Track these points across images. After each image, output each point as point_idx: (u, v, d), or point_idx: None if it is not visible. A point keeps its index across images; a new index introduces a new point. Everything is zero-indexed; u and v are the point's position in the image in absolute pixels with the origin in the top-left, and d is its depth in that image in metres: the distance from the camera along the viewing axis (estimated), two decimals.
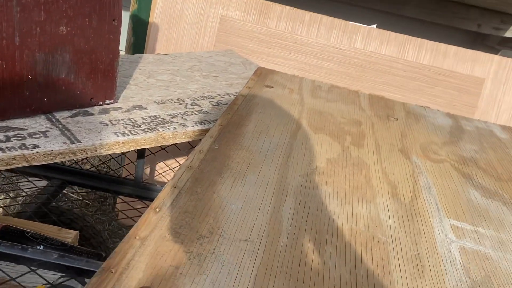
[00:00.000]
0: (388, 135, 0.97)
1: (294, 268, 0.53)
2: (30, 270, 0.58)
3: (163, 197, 0.60)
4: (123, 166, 1.29)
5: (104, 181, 1.16)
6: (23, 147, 0.70)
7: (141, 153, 1.10)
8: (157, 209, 0.58)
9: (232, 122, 0.87)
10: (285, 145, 0.83)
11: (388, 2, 2.09)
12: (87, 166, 1.47)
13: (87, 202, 1.70)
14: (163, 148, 1.16)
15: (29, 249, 0.59)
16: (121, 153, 1.28)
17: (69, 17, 0.78)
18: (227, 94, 1.06)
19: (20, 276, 0.63)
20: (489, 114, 1.49)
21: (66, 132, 0.77)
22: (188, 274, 0.49)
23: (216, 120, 0.91)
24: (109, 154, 1.35)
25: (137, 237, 0.52)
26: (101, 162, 1.44)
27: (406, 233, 0.65)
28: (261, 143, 0.81)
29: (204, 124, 0.89)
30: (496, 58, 1.48)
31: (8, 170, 0.99)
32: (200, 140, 0.80)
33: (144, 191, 1.13)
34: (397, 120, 1.07)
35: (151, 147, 1.21)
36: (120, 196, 1.25)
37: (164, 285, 0.47)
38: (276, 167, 0.74)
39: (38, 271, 0.59)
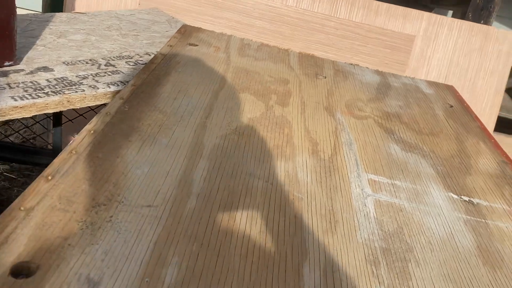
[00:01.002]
0: (314, 93, 0.95)
1: (200, 232, 0.50)
2: None
3: (58, 164, 0.55)
4: (39, 135, 1.20)
5: (19, 152, 1.07)
6: None
7: (56, 120, 1.02)
8: (49, 177, 0.52)
9: (147, 82, 0.81)
10: (205, 106, 0.79)
11: None
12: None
13: (12, 176, 1.59)
14: (80, 114, 1.09)
15: None
16: (35, 121, 1.19)
17: None
18: (147, 54, 0.99)
19: None
20: (419, 71, 1.51)
21: None
22: (78, 245, 0.44)
23: None
24: (21, 122, 1.25)
25: (22, 208, 0.47)
26: (14, 132, 1.33)
27: (322, 189, 0.64)
28: (178, 104, 0.77)
29: (118, 85, 0.83)
30: (426, 14, 1.49)
31: None
32: None
33: None
34: (325, 78, 1.05)
35: (68, 114, 1.13)
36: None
37: (48, 258, 0.42)
38: (192, 129, 0.70)
39: None
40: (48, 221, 0.46)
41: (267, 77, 0.98)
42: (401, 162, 0.76)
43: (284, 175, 0.65)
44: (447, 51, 1.52)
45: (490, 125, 1.59)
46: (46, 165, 1.05)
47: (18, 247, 0.43)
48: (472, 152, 0.85)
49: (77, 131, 1.32)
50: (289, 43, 1.43)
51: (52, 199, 0.49)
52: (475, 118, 1.01)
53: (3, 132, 1.21)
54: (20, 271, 0.41)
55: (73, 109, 0.79)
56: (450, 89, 1.16)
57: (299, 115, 0.84)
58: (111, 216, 0.49)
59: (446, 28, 1.51)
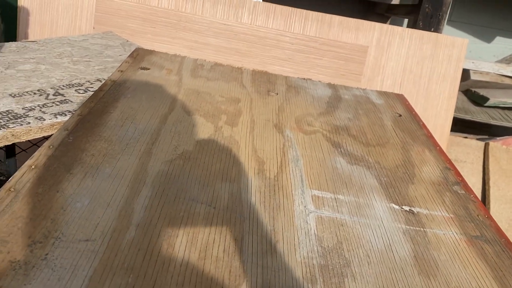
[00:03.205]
0: (265, 110, 0.97)
1: (137, 263, 0.51)
2: None
3: None
4: None
5: None
6: None
7: (9, 151, 1.01)
8: None
9: (95, 110, 0.82)
10: (152, 131, 0.79)
11: None
12: None
13: None
14: (34, 143, 1.08)
15: None
16: None
17: None
18: (98, 80, 1.00)
19: None
20: (375, 80, 1.55)
21: None
22: (9, 286, 0.45)
23: None
24: None
25: None
26: None
27: (265, 209, 0.65)
28: (125, 131, 0.77)
29: (65, 115, 0.83)
30: (378, 25, 1.54)
31: None
32: None
33: None
34: (277, 94, 1.07)
35: (22, 144, 1.12)
36: None
37: None
38: (137, 156, 0.71)
39: None
40: None
41: (218, 97, 0.99)
42: (345, 175, 0.78)
43: (227, 198, 0.66)
44: (400, 59, 1.57)
45: (446, 127, 1.65)
46: None
47: None
48: (417, 160, 0.88)
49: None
50: (246, 59, 1.45)
51: None
52: (422, 126, 1.04)
53: None
54: None
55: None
56: (400, 98, 1.20)
57: (247, 135, 0.85)
58: (47, 254, 0.49)
59: (398, 37, 1.56)
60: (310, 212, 0.66)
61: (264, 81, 1.14)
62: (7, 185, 0.58)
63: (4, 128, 0.75)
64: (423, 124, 1.06)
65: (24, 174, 0.61)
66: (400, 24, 2.40)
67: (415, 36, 1.57)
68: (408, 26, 2.03)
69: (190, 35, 1.43)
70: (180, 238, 0.56)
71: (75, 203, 0.58)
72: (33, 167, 0.63)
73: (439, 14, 1.66)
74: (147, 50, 1.17)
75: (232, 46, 1.45)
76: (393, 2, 2.16)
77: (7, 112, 0.80)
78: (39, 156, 0.65)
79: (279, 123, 0.93)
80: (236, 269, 0.53)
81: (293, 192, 0.71)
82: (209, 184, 0.68)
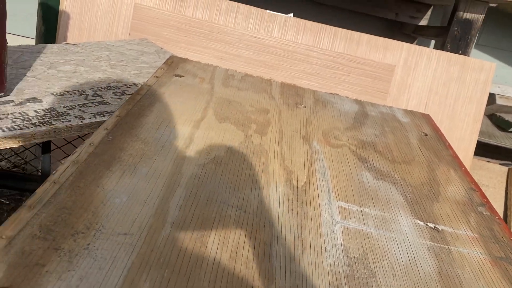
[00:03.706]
0: (293, 122, 1.00)
1: (172, 259, 0.53)
2: None
3: (40, 194, 0.58)
4: (29, 162, 1.23)
5: (8, 178, 1.10)
6: None
7: (45, 147, 1.05)
8: (31, 206, 0.56)
9: (132, 112, 0.85)
10: (186, 135, 0.82)
11: None
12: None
13: (2, 201, 1.61)
14: (69, 141, 1.12)
15: None
16: (24, 148, 1.22)
17: None
18: (134, 84, 1.04)
19: None
20: (400, 99, 1.56)
21: None
22: (55, 271, 0.47)
23: None
24: (11, 149, 1.28)
25: (3, 236, 0.50)
26: (4, 158, 1.36)
27: (293, 216, 0.67)
28: (160, 134, 0.80)
29: (103, 115, 0.87)
30: (406, 45, 1.56)
31: None
32: None
33: None
34: (305, 107, 1.10)
35: (57, 141, 1.16)
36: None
37: (26, 284, 0.45)
38: (172, 158, 0.74)
39: None
40: (27, 249, 0.49)
41: (248, 107, 1.02)
42: (372, 190, 0.80)
43: (257, 203, 0.68)
44: (426, 80, 1.57)
45: (470, 151, 1.64)
46: (34, 191, 1.08)
47: None
48: (442, 179, 0.89)
49: (66, 157, 1.35)
50: (274, 72, 1.48)
51: (33, 228, 0.52)
52: (448, 147, 1.05)
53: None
54: None
55: None
56: (426, 118, 1.21)
57: (276, 144, 0.88)
58: (88, 244, 0.52)
59: (425, 58, 1.57)
60: (337, 223, 0.68)
61: (292, 94, 1.17)
62: (51, 177, 0.62)
63: (47, 124, 0.79)
64: (449, 144, 1.07)
65: (67, 169, 0.64)
66: (426, 44, 2.41)
67: (443, 58, 1.58)
68: (435, 48, 2.04)
69: (221, 46, 1.47)
70: (212, 238, 0.58)
71: (114, 198, 0.61)
72: (75, 162, 0.66)
73: (468, 37, 1.67)
74: (181, 58, 1.21)
75: (261, 59, 1.48)
76: (421, 23, 2.18)
77: (50, 110, 0.84)
78: (80, 152, 0.69)
79: (306, 135, 0.95)
80: (265, 272, 0.55)
81: (320, 202, 0.72)
82: (240, 189, 0.71)
